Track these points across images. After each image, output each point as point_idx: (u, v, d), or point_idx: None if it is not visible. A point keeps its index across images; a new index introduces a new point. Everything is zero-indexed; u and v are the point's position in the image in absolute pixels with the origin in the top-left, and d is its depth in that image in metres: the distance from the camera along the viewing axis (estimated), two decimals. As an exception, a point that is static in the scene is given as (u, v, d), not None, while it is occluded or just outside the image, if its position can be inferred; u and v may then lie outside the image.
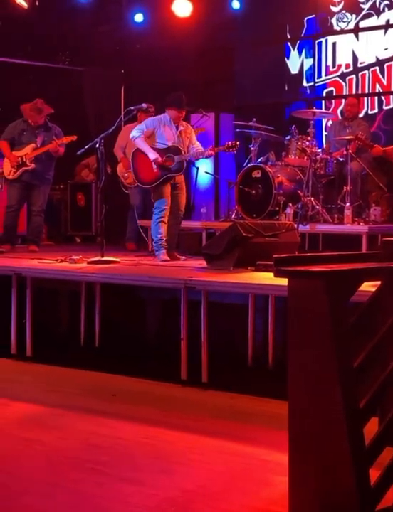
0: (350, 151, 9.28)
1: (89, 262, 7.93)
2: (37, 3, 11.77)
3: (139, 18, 12.39)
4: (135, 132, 8.53)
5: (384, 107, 11.00)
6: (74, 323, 8.20)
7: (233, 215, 10.08)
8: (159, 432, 5.13)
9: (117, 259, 8.12)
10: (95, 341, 7.96)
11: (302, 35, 11.83)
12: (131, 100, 10.55)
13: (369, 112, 11.07)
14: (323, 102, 11.65)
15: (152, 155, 8.36)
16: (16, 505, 3.87)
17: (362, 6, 11.20)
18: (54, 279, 7.80)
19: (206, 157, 8.76)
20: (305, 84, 11.81)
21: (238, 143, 8.49)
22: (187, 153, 8.43)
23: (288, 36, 11.95)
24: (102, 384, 6.56)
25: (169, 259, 8.29)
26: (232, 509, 3.80)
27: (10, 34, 12.02)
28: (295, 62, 11.86)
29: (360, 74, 11.23)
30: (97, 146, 8.07)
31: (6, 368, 7.20)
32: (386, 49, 11.00)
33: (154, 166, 8.37)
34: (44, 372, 7.04)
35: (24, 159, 9.82)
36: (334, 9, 11.42)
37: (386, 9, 10.99)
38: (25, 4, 11.55)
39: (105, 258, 7.98)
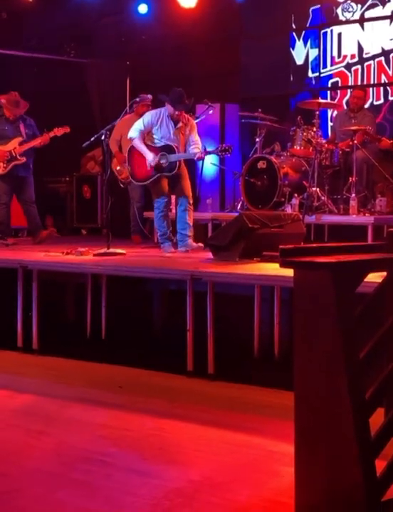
0: (356, 141, 9.26)
1: (95, 254, 7.94)
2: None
3: (143, 9, 12.35)
4: (133, 132, 8.44)
5: (390, 98, 10.96)
6: (80, 316, 8.21)
7: (239, 206, 10.08)
8: (165, 424, 5.14)
9: (123, 251, 8.12)
10: (102, 333, 7.96)
11: (308, 25, 11.80)
12: (136, 92, 10.51)
13: (375, 103, 11.04)
14: (329, 92, 11.62)
15: (149, 157, 8.31)
16: (24, 497, 3.88)
17: (367, -5, 11.18)
18: (60, 271, 7.80)
19: (197, 160, 8.62)
20: (310, 74, 11.79)
21: (232, 147, 8.40)
22: (181, 152, 8.32)
23: (293, 26, 11.92)
24: (108, 376, 6.57)
25: (175, 251, 8.29)
26: (239, 500, 3.80)
27: (15, 27, 12.01)
28: (301, 52, 11.83)
29: (366, 64, 11.20)
30: (102, 138, 8.07)
31: (12, 361, 7.21)
32: (391, 39, 10.96)
33: (148, 165, 8.34)
34: (50, 364, 7.05)
35: (13, 153, 9.85)
36: (340, -1, 11.39)
37: (391, -1, 10.95)
38: (29, -4, 11.57)
39: (111, 250, 7.98)
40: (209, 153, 8.61)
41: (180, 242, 8.40)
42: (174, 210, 8.67)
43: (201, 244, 8.28)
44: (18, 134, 9.95)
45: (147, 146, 8.36)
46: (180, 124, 8.38)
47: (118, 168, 10.08)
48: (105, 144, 8.17)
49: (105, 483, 4.04)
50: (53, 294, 8.08)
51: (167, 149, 8.29)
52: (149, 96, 8.73)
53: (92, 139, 8.29)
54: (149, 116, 8.46)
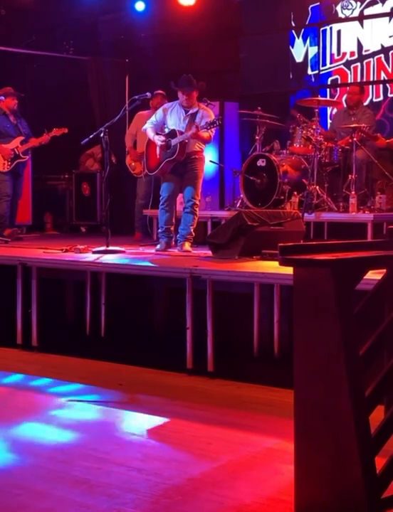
0: (355, 139, 9.26)
1: (94, 252, 7.94)
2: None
3: (140, 6, 12.31)
4: (146, 124, 8.57)
5: (389, 95, 10.94)
6: (80, 313, 8.21)
7: (238, 204, 10.07)
8: (165, 421, 5.15)
9: (122, 249, 8.13)
10: (101, 331, 7.97)
11: (307, 23, 11.77)
12: (135, 89, 10.52)
13: (374, 100, 11.02)
14: (328, 90, 11.61)
15: (157, 139, 8.34)
16: (24, 494, 3.88)
17: (367, -7, 11.17)
18: (59, 268, 7.81)
19: (191, 137, 8.19)
20: (309, 72, 11.77)
21: (220, 118, 8.29)
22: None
23: (293, 24, 11.90)
24: (108, 373, 6.58)
25: (164, 250, 8.29)
26: (239, 497, 3.81)
27: (14, 24, 12.00)
28: (300, 50, 11.82)
29: (365, 62, 11.18)
30: (101, 135, 8.08)
31: (12, 358, 7.21)
32: (391, 36, 10.94)
33: (158, 152, 8.37)
34: (50, 362, 7.06)
35: (17, 152, 10.03)
36: (339, -3, 11.37)
37: (390, -4, 10.95)
38: (29, -7, 11.57)
39: (110, 248, 7.99)
40: (203, 128, 8.20)
41: (178, 241, 8.40)
42: (180, 208, 8.66)
43: (189, 251, 8.20)
44: (19, 133, 10.14)
45: (158, 134, 8.41)
46: (191, 111, 8.33)
47: (132, 163, 10.20)
48: (103, 141, 8.16)
49: (105, 480, 4.04)
50: (52, 292, 8.08)
51: (172, 134, 8.31)
52: (148, 94, 8.72)
53: (91, 136, 8.29)
54: (160, 109, 8.59)
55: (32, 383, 6.25)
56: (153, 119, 8.55)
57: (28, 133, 10.33)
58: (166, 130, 8.41)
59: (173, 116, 8.40)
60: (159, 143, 8.30)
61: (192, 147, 8.32)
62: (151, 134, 8.47)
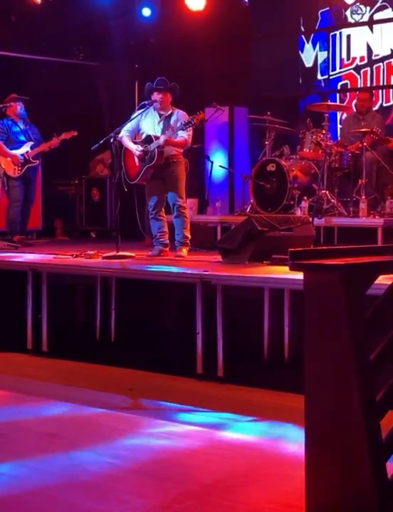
0: (365, 143, 9.25)
1: (104, 257, 7.95)
2: (50, -1, 11.79)
3: (147, 12, 12.33)
4: (122, 132, 8.39)
5: (399, 100, 10.95)
6: (90, 318, 8.21)
7: (248, 209, 10.07)
8: (175, 426, 5.14)
9: (132, 254, 8.14)
10: (111, 336, 7.96)
11: (317, 27, 11.79)
12: (145, 95, 10.53)
13: (384, 105, 11.02)
14: (338, 94, 11.61)
15: (135, 150, 8.27)
16: (35, 499, 3.88)
17: (376, -2, 11.17)
18: (69, 274, 7.82)
19: (164, 145, 8.10)
20: (319, 77, 11.77)
21: (194, 118, 8.06)
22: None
23: (302, 29, 11.92)
24: (118, 378, 6.58)
25: (155, 255, 8.29)
26: (250, 503, 3.80)
27: (24, 30, 12.03)
28: (310, 55, 11.82)
29: (375, 66, 11.18)
30: (111, 141, 8.09)
31: (22, 363, 7.23)
32: (400, 41, 10.95)
33: (136, 160, 8.33)
34: (60, 367, 7.07)
35: (27, 157, 10.13)
36: (349, 1, 11.36)
37: (400, 1, 10.94)
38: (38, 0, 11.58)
39: (120, 253, 8.00)
40: (178, 128, 8.12)
41: (176, 247, 8.38)
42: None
43: (181, 256, 8.18)
44: (29, 139, 10.21)
45: (135, 142, 8.35)
46: (165, 114, 8.25)
47: None
48: (113, 146, 8.17)
49: (117, 485, 4.04)
50: (62, 297, 8.09)
51: (147, 140, 8.25)
52: (156, 99, 8.71)
53: (101, 141, 8.30)
54: (135, 114, 8.44)
55: (42, 388, 6.25)
56: (128, 126, 8.39)
57: (39, 139, 10.39)
58: (143, 136, 8.35)
59: (147, 121, 8.33)
60: (136, 153, 8.26)
61: (170, 151, 8.24)
62: (128, 143, 8.36)
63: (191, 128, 8.15)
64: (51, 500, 3.90)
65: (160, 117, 8.29)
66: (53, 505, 3.84)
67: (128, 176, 8.54)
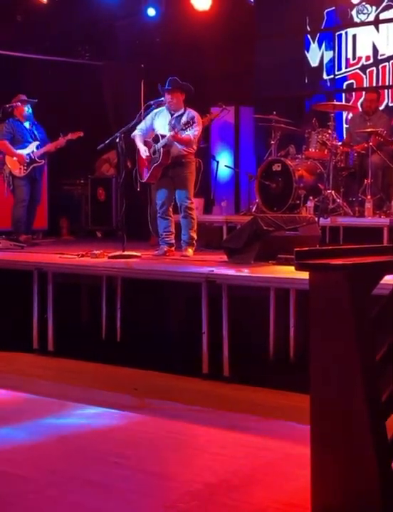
0: (371, 143, 9.25)
1: (110, 257, 7.96)
2: (56, -2, 11.79)
3: (151, 12, 12.34)
4: (135, 131, 8.44)
5: (405, 99, 10.94)
6: (95, 318, 8.22)
7: (254, 209, 10.07)
8: (181, 426, 5.14)
9: (138, 254, 8.14)
10: (117, 335, 7.97)
11: (322, 27, 11.78)
12: (151, 94, 10.51)
13: (390, 104, 11.00)
14: (343, 94, 11.60)
15: (143, 152, 8.31)
16: (40, 498, 3.89)
17: (382, -3, 11.15)
18: (75, 273, 7.82)
19: (171, 141, 8.09)
20: (325, 76, 11.77)
21: (194, 118, 8.08)
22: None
23: (308, 29, 11.91)
24: (124, 378, 6.58)
25: (160, 255, 8.29)
26: (254, 502, 3.80)
27: (30, 29, 12.04)
28: (315, 54, 11.82)
29: (381, 66, 11.17)
30: (117, 140, 8.09)
31: (28, 362, 7.23)
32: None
33: (146, 160, 8.34)
34: (66, 366, 7.07)
35: (33, 156, 10.14)
36: (354, 1, 11.34)
37: (406, 1, 10.93)
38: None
39: (126, 253, 8.01)
40: (180, 130, 8.08)
41: (182, 247, 8.38)
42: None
43: (187, 256, 8.18)
44: (35, 138, 10.22)
45: (147, 142, 8.36)
46: (177, 114, 8.25)
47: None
48: (119, 146, 8.18)
49: (121, 484, 4.04)
50: (68, 297, 8.10)
51: (156, 139, 8.26)
52: (163, 99, 8.71)
53: (107, 141, 8.31)
54: (149, 114, 8.47)
55: (47, 387, 6.25)
56: (142, 125, 8.43)
57: (44, 139, 10.40)
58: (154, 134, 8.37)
59: (160, 120, 8.35)
60: (144, 155, 8.27)
61: (179, 151, 8.24)
62: (138, 143, 8.40)
63: (195, 127, 8.13)
64: (55, 498, 3.90)
65: (171, 117, 8.30)
66: (57, 503, 3.84)
67: (140, 174, 8.57)
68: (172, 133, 8.06)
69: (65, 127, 10.55)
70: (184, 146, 8.22)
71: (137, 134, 8.40)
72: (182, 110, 8.29)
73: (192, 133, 8.14)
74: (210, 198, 11.50)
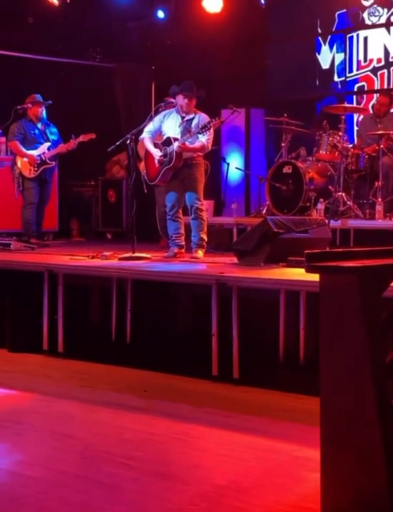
0: (382, 146, 9.23)
1: (120, 258, 7.96)
2: (68, 1, 11.79)
3: (160, 14, 12.34)
4: (143, 133, 8.41)
5: (416, 102, 10.90)
6: (105, 319, 8.23)
7: (264, 211, 10.06)
8: (190, 428, 5.14)
9: (148, 255, 8.14)
10: (126, 337, 7.97)
11: (334, 29, 11.77)
12: (161, 96, 10.53)
13: (401, 107, 10.97)
14: (354, 96, 11.59)
15: (155, 154, 8.28)
16: (50, 499, 3.89)
17: (394, -1, 11.14)
18: (85, 275, 7.83)
19: (179, 152, 8.06)
20: (336, 79, 11.76)
21: (210, 122, 8.01)
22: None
23: (319, 31, 11.90)
24: (133, 380, 6.59)
25: (170, 257, 8.29)
26: (264, 504, 3.80)
27: (41, 31, 12.07)
28: (326, 56, 11.81)
29: (392, 68, 11.16)
30: (128, 142, 8.09)
31: (38, 364, 7.24)
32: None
33: (156, 162, 8.33)
34: (76, 368, 7.07)
35: (43, 158, 10.14)
36: (366, 3, 11.35)
37: (418, 3, 10.92)
38: (55, 2, 11.60)
39: (136, 254, 8.01)
40: (195, 133, 8.04)
41: (192, 249, 8.38)
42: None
43: (197, 258, 8.17)
44: (46, 139, 10.24)
45: (155, 144, 8.36)
46: (187, 117, 8.21)
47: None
48: (130, 148, 8.18)
49: (130, 486, 4.05)
50: (78, 298, 8.11)
51: (167, 142, 8.25)
52: (174, 101, 8.71)
53: (118, 143, 8.30)
54: (158, 116, 8.42)
55: (57, 389, 6.26)
56: (151, 127, 8.38)
57: (58, 139, 10.40)
58: (164, 137, 8.34)
59: (169, 123, 8.30)
60: (157, 157, 8.26)
61: (189, 153, 8.21)
62: (149, 145, 8.37)
63: (209, 132, 8.13)
64: (65, 499, 3.91)
65: (182, 120, 8.27)
66: (67, 503, 3.85)
67: (149, 176, 8.56)
68: (179, 144, 8.05)
69: (75, 129, 10.57)
70: (197, 152, 8.22)
71: (147, 136, 8.38)
72: (193, 114, 8.28)
73: (206, 139, 8.13)
74: (220, 200, 11.49)
